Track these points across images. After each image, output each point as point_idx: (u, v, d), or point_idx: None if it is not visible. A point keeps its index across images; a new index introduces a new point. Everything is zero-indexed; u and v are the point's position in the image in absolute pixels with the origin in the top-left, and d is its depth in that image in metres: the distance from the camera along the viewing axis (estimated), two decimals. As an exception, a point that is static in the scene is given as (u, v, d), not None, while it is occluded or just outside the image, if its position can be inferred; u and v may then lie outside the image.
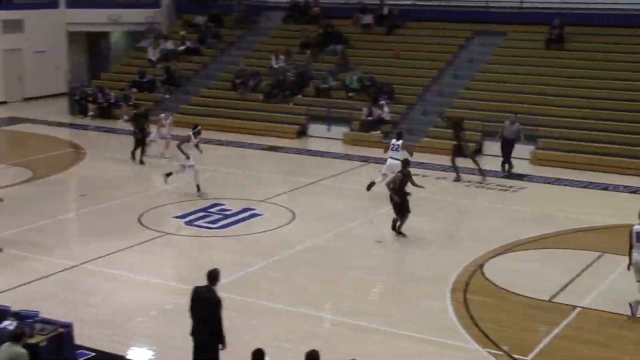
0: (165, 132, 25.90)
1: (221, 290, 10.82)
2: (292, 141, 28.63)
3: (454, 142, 23.31)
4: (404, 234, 17.78)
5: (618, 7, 30.57)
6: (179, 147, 21.12)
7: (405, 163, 18.34)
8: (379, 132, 28.49)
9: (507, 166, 24.02)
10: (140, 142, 24.88)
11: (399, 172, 18.24)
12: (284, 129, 29.63)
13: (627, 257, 13.62)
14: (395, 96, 29.95)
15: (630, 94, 27.12)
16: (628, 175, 23.75)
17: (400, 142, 21.25)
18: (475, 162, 23.34)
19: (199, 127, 21.77)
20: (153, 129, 25.67)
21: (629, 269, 13.66)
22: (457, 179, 22.84)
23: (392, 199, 17.83)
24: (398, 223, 17.88)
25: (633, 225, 13.50)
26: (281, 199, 20.93)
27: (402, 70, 31.55)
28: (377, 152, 26.85)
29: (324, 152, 27.20)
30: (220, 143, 27.82)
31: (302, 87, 31.63)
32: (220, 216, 19.36)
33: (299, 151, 27.41)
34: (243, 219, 19.17)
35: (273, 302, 14.16)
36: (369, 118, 28.75)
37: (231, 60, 34.76)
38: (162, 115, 26.50)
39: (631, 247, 13.47)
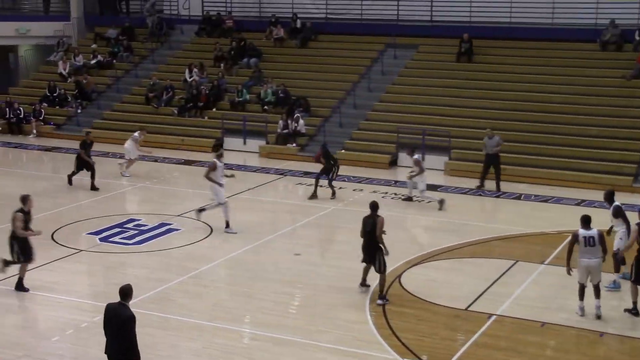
0: (137, 150, 25.25)
1: (138, 306, 10.67)
2: (207, 155, 28.40)
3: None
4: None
5: (523, 21, 31.51)
6: (207, 177, 19.35)
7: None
8: (294, 144, 28.58)
9: (496, 184, 23.72)
10: (91, 167, 23.32)
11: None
12: (199, 143, 29.43)
13: (566, 262, 13.96)
14: (311, 109, 30.11)
15: (537, 105, 27.88)
16: (539, 185, 24.37)
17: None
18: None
19: (221, 149, 20.87)
20: (130, 147, 24.94)
21: (569, 273, 13.91)
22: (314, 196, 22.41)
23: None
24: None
25: (576, 230, 13.91)
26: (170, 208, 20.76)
27: (317, 83, 31.76)
28: (293, 165, 27.01)
29: (240, 165, 27.10)
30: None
31: (217, 101, 31.51)
32: (136, 232, 19.07)
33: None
34: (159, 234, 18.93)
35: (192, 318, 14.00)
36: (285, 131, 28.80)
37: (144, 74, 34.41)
38: (137, 133, 25.47)
39: (570, 252, 13.82)
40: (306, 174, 25.84)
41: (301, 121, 28.89)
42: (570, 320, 13.88)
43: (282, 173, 26.05)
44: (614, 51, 29.76)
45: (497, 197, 23.13)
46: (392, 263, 16.79)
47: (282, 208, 22.19)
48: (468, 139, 27.00)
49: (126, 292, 10.34)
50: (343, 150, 27.85)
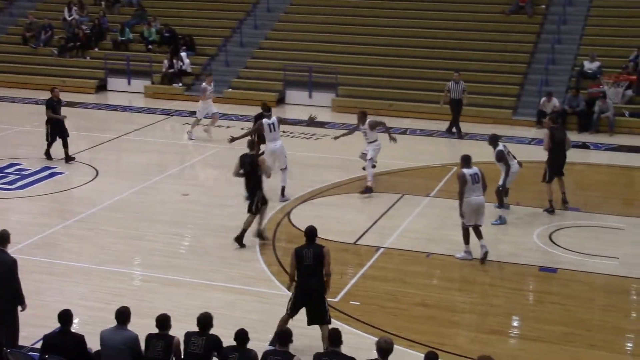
0: (210, 104, 22.33)
1: (23, 252, 10.45)
2: (91, 96, 27.71)
3: None
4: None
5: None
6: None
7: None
8: (180, 84, 28.13)
9: (454, 129, 23.30)
10: (60, 133, 19.54)
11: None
12: (82, 84, 28.59)
13: (459, 201, 13.94)
14: (196, 47, 29.61)
15: (421, 40, 28.20)
16: (423, 119, 24.81)
17: None
18: None
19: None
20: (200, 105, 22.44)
21: (461, 216, 13.98)
22: None
23: None
24: None
25: (461, 169, 13.95)
26: (82, 156, 20.21)
27: (202, 21, 31.22)
28: (179, 105, 26.61)
29: (125, 106, 26.53)
30: (12, 100, 26.48)
31: (99, 41, 30.57)
32: (17, 176, 18.50)
33: (98, 106, 26.58)
34: (42, 179, 18.42)
35: (79, 262, 13.77)
36: (170, 70, 28.28)
37: (20, 12, 33.01)
38: (204, 83, 22.57)
39: (462, 193, 13.78)
40: (193, 113, 25.49)
41: (187, 60, 28.40)
42: (453, 250, 14.28)
43: (168, 113, 25.65)
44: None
45: (383, 131, 23.39)
46: (279, 201, 16.94)
47: (169, 149, 21.90)
48: (355, 75, 27.18)
49: (3, 237, 10.06)
50: (230, 89, 27.61)
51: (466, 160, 14.01)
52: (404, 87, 26.39)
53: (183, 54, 28.53)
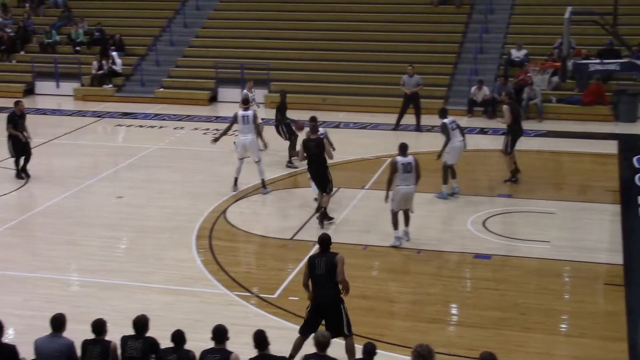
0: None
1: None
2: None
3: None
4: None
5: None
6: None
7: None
8: (111, 85, 27.80)
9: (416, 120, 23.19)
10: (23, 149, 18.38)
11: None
12: (9, 88, 28.02)
13: (386, 188, 14.15)
14: (126, 47, 29.27)
15: (351, 34, 28.34)
16: (357, 112, 24.95)
17: None
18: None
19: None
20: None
21: (386, 200, 14.21)
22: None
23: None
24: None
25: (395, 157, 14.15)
26: (12, 162, 19.79)
27: (131, 20, 30.92)
28: (110, 107, 26.30)
29: (54, 109, 26.10)
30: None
31: (25, 43, 30.00)
32: (-56, 186, 18.06)
33: (27, 110, 25.97)
34: (-29, 187, 18.02)
35: (11, 270, 13.50)
36: (100, 72, 27.90)
37: (-59, 17, 32.19)
38: (244, 90, 21.08)
39: (390, 180, 14.02)
40: (125, 114, 25.26)
41: (118, 60, 28.07)
42: (389, 241, 14.40)
43: (99, 115, 25.33)
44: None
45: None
46: (217, 198, 16.89)
47: (102, 151, 21.61)
48: (287, 70, 27.19)
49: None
50: (161, 89, 27.40)
51: (402, 149, 14.15)
52: (336, 81, 26.51)
53: (114, 53, 28.16)
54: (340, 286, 10.04)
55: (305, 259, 10.23)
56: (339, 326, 9.93)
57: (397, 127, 23.04)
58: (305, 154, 15.19)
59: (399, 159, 14.03)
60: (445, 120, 16.58)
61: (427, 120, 22.76)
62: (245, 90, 21.14)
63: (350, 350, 9.91)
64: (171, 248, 14.42)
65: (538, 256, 13.92)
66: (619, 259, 13.67)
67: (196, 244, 14.57)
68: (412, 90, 23.07)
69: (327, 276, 9.95)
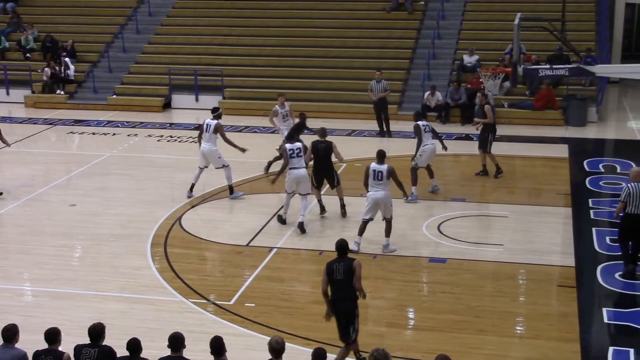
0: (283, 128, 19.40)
1: None
2: (-33, 109, 26.75)
3: None
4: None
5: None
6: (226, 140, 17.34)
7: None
8: (62, 92, 27.48)
9: (384, 126, 23.14)
10: None
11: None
12: (-42, 96, 27.58)
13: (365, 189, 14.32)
14: (77, 54, 28.95)
15: (306, 40, 28.39)
16: (312, 118, 24.79)
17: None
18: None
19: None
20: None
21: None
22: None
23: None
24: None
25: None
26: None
27: (82, 27, 30.56)
28: (62, 114, 26.02)
29: (4, 117, 25.71)
30: None
31: (-27, 50, 29.55)
32: None
33: (-24, 118, 25.67)
34: None
35: (-38, 281, 13.28)
36: (52, 79, 27.56)
37: None
38: (277, 105, 19.84)
39: (365, 184, 14.20)
40: (77, 122, 25.00)
41: (71, 66, 27.76)
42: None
43: (51, 123, 25.02)
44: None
45: (272, 132, 23.47)
46: (172, 206, 16.80)
47: (54, 159, 21.35)
48: (241, 77, 27.15)
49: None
50: (114, 96, 27.16)
51: (378, 156, 14.17)
52: (290, 87, 26.45)
53: (67, 60, 27.83)
54: (357, 290, 10.27)
55: (325, 266, 10.36)
56: (347, 333, 10.22)
57: (382, 133, 23.02)
58: (312, 155, 15.92)
59: (373, 165, 14.10)
60: (419, 123, 16.93)
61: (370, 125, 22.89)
62: (276, 107, 19.90)
63: (343, 357, 10.24)
64: (126, 256, 14.29)
65: (492, 259, 14.07)
66: (570, 261, 13.88)
67: (151, 251, 14.46)
68: (379, 96, 23.08)
69: (345, 281, 10.16)
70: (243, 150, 17.55)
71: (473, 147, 19.88)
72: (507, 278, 13.41)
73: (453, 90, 24.72)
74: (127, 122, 24.79)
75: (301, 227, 15.20)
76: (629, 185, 12.91)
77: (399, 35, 28.23)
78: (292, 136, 16.13)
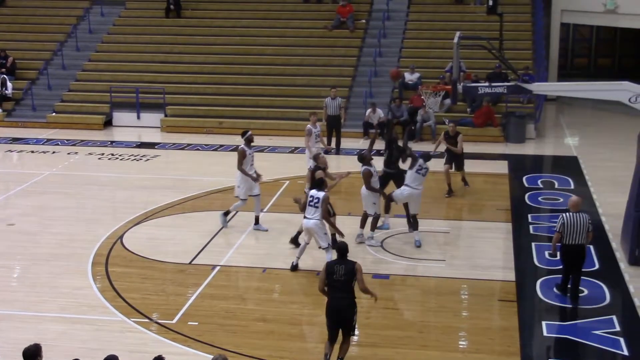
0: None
1: None
2: None
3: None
4: None
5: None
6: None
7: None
8: (0, 110, 27.03)
9: (333, 142, 23.09)
10: None
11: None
12: None
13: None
14: (16, 71, 28.51)
15: (249, 57, 28.41)
16: (255, 135, 24.77)
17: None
18: None
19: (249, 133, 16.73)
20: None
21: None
22: None
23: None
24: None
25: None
26: None
27: (21, 44, 30.12)
28: (0, 132, 25.59)
29: (-60, 135, 25.18)
30: None
31: None
32: None
33: None
34: None
35: None
36: (-11, 96, 27.12)
37: None
38: (309, 125, 19.23)
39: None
40: (15, 139, 24.60)
41: (9, 84, 27.32)
42: (288, 264, 14.41)
43: (-12, 141, 24.59)
44: (315, 3, 30.93)
45: (215, 150, 23.42)
46: (114, 224, 16.60)
47: (-7, 178, 20.98)
48: (183, 94, 27.04)
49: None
50: (54, 113, 26.81)
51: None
52: (233, 105, 26.50)
53: (5, 77, 27.37)
54: (365, 294, 10.89)
55: (324, 266, 10.98)
56: (350, 327, 10.82)
57: (329, 151, 22.53)
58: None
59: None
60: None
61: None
62: (308, 126, 19.37)
63: (346, 349, 10.89)
64: (66, 276, 14.07)
65: (435, 275, 14.19)
66: (511, 275, 14.07)
67: (92, 270, 14.25)
68: (334, 114, 23.18)
69: (345, 282, 10.64)
70: (257, 178, 16.42)
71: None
72: (450, 293, 13.53)
73: (395, 107, 24.96)
74: (67, 140, 24.48)
75: (293, 268, 14.30)
76: (564, 215, 12.67)
77: (342, 54, 28.43)
78: (320, 185, 14.15)
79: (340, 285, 10.64)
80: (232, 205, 16.62)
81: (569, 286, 13.05)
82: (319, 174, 14.84)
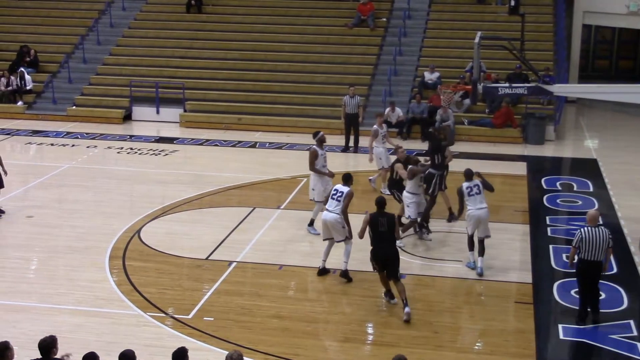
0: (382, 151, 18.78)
1: None
2: None
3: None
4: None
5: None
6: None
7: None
8: (21, 102, 27.17)
9: (353, 142, 22.91)
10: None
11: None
12: None
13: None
14: (39, 64, 28.67)
15: (269, 54, 28.42)
16: (274, 132, 24.98)
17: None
18: None
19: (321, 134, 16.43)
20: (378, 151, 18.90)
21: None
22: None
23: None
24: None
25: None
26: None
27: (42, 37, 30.26)
28: (20, 124, 25.75)
29: (-39, 127, 25.37)
30: None
31: None
32: None
33: None
34: None
35: None
36: (9, 88, 27.24)
37: None
38: (375, 126, 19.07)
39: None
40: (35, 132, 24.74)
41: (27, 77, 27.45)
42: (305, 261, 14.46)
43: (9, 133, 24.70)
44: (336, 0, 30.89)
45: (233, 146, 23.45)
46: (131, 218, 16.66)
47: (11, 169, 20.93)
48: (202, 90, 27.08)
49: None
50: (74, 107, 26.92)
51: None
52: (252, 101, 26.50)
53: (23, 70, 27.53)
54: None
55: (367, 217, 12.53)
56: (396, 272, 12.46)
57: (347, 148, 22.92)
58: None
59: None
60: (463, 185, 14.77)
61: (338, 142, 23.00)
62: (375, 127, 19.14)
63: (402, 290, 12.36)
64: (83, 269, 14.14)
65: (451, 275, 14.15)
66: (528, 277, 14.01)
67: (109, 264, 14.32)
68: (352, 112, 22.99)
69: (388, 233, 12.37)
70: (331, 175, 16.08)
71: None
72: (466, 294, 13.50)
73: (415, 105, 24.90)
74: (86, 133, 24.59)
75: (345, 275, 13.74)
76: (582, 230, 12.07)
77: (361, 52, 28.37)
78: (347, 180, 13.96)
79: (386, 236, 12.35)
80: (312, 211, 16.07)
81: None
82: (399, 166, 15.60)
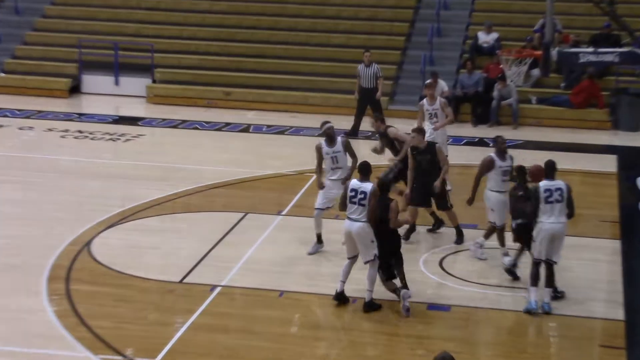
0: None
1: None
2: None
3: None
4: None
5: None
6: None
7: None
8: None
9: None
10: None
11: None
12: None
13: None
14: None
15: (268, 7, 28.48)
16: (273, 111, 24.94)
17: None
18: None
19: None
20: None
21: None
22: None
23: None
24: None
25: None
26: None
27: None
28: None
29: None
30: None
31: None
32: None
33: None
34: None
35: None
36: None
37: None
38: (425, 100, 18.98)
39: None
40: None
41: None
42: (315, 287, 14.41)
43: None
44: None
45: (219, 129, 23.42)
46: (79, 226, 16.63)
47: None
48: (178, 53, 27.06)
49: None
50: (3, 74, 26.99)
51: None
52: (244, 69, 26.49)
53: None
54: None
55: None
56: (445, 202, 16.22)
57: (354, 133, 22.72)
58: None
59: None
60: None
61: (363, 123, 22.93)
62: (423, 101, 19.07)
63: (454, 217, 16.27)
64: (12, 294, 14.13)
65: (512, 308, 14.04)
66: (619, 313, 13.89)
67: (47, 288, 14.29)
68: (368, 86, 22.76)
69: (431, 167, 15.78)
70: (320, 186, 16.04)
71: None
72: (533, 334, 13.42)
73: (465, 77, 24.80)
74: (18, 110, 24.64)
75: (370, 305, 13.72)
76: None
77: (393, 4, 28.36)
78: (365, 172, 13.92)
79: (427, 172, 15.68)
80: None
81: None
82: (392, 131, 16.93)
